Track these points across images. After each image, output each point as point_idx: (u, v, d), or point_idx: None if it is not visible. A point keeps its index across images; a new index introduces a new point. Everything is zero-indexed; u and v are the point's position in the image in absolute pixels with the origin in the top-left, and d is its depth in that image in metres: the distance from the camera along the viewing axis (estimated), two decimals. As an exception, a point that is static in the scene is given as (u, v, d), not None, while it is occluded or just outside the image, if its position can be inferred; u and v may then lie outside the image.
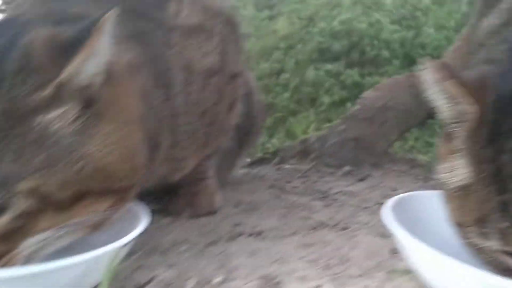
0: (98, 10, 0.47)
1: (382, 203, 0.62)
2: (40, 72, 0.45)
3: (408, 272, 0.58)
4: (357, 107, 1.27)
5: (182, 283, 0.57)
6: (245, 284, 0.56)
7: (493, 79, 0.50)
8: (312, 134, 1.36)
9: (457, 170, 0.50)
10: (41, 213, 0.46)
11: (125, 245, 0.50)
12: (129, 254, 0.56)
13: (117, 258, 0.49)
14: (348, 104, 1.85)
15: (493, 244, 0.47)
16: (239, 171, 1.10)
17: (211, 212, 0.81)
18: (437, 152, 0.55)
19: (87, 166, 0.47)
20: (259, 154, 1.32)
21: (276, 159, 1.27)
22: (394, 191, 0.97)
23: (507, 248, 0.47)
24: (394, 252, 0.64)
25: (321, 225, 0.78)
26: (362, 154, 1.21)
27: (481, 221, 0.47)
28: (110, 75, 0.50)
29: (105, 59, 0.48)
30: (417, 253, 0.53)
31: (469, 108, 0.49)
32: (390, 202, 0.61)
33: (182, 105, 0.72)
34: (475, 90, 0.49)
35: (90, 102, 0.48)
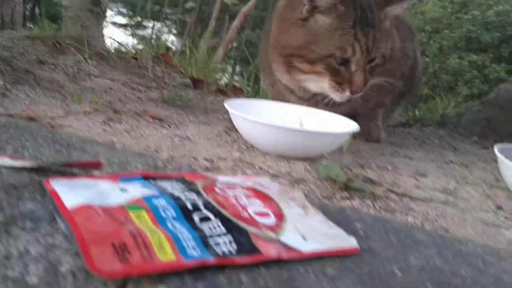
0: None
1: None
2: None
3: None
4: (492, 94, 1.62)
5: None
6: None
7: None
8: (450, 111, 1.74)
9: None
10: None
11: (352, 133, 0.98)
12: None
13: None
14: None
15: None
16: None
17: (378, 141, 1.28)
18: None
19: None
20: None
21: (418, 125, 1.68)
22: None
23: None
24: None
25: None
26: (488, 132, 1.57)
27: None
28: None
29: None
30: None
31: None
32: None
33: None
34: None
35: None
